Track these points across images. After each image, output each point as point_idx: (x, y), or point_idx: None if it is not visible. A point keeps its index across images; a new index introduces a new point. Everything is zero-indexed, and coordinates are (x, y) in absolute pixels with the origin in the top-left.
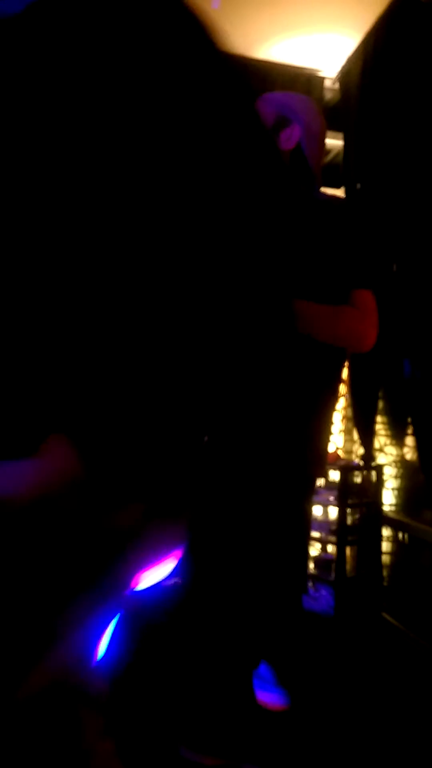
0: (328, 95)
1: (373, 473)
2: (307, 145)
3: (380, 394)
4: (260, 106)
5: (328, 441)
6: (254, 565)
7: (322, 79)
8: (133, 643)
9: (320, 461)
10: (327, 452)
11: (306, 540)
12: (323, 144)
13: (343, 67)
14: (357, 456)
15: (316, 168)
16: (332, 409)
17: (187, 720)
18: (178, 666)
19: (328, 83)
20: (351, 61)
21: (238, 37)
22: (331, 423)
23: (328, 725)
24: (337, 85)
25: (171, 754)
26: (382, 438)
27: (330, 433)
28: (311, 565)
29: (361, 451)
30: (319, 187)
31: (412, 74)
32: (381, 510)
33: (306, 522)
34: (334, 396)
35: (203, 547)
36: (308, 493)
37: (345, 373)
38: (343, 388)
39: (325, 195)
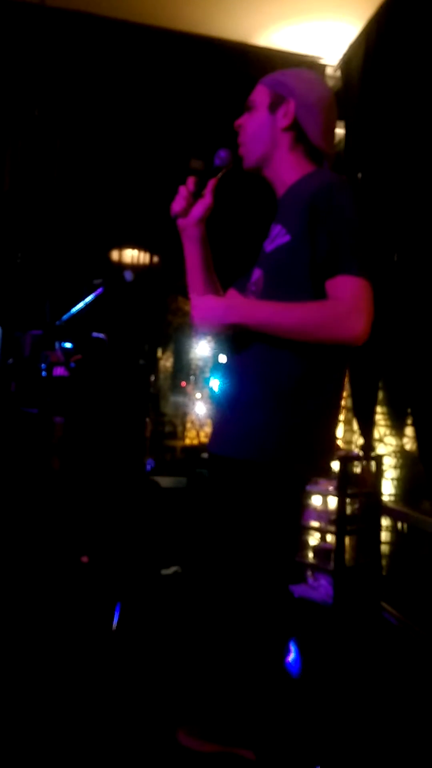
0: (329, 83)
1: (373, 463)
2: (304, 117)
3: (380, 384)
4: (256, 93)
5: (334, 436)
6: (260, 557)
7: (323, 66)
8: (136, 629)
9: (328, 455)
10: (334, 446)
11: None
12: (327, 113)
13: (345, 55)
14: (356, 446)
15: (320, 140)
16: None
17: (186, 706)
18: (178, 652)
19: (329, 71)
20: (352, 48)
21: (240, 24)
22: (339, 417)
23: (326, 713)
24: (338, 73)
25: (169, 740)
26: (381, 428)
27: (336, 427)
28: (310, 555)
29: (360, 441)
30: (330, 160)
31: (414, 62)
32: (380, 500)
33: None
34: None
35: (211, 538)
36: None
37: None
38: None
39: (319, 173)
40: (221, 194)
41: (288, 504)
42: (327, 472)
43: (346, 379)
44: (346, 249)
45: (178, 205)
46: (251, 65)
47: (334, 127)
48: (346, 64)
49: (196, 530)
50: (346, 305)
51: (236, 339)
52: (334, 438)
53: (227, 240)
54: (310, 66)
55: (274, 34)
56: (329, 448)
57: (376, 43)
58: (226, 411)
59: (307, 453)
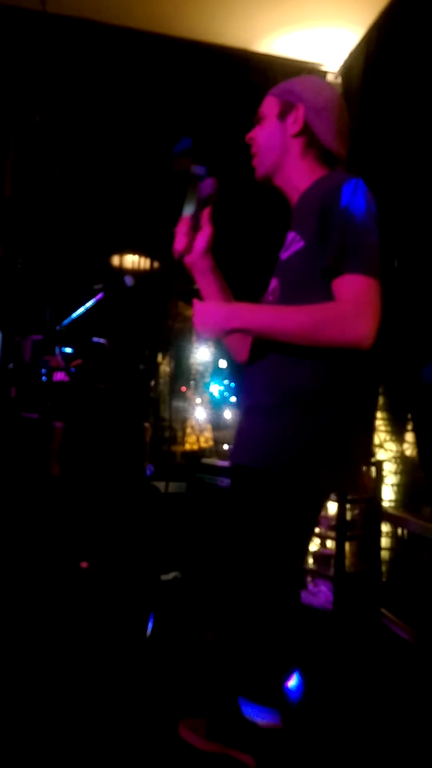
0: None
1: (373, 469)
2: (314, 120)
3: (380, 389)
4: (264, 104)
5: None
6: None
7: (324, 73)
8: (136, 635)
9: (348, 467)
10: (355, 458)
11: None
12: (337, 116)
13: (345, 62)
14: None
15: (332, 142)
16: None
17: (189, 702)
18: (182, 651)
19: (330, 77)
20: (353, 55)
21: (241, 31)
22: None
23: (325, 719)
24: (339, 80)
25: (170, 732)
26: (381, 434)
27: (357, 438)
28: (310, 561)
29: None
30: (343, 163)
31: (414, 69)
32: (380, 506)
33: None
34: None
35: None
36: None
37: None
38: None
39: (330, 177)
40: (238, 212)
41: (304, 514)
42: (351, 484)
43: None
44: (351, 247)
45: (179, 244)
46: (252, 72)
47: (346, 129)
48: (347, 70)
49: (199, 537)
50: (349, 306)
51: (251, 348)
52: (355, 449)
53: (248, 256)
54: (311, 72)
55: (275, 41)
56: (348, 459)
57: (376, 50)
58: (242, 420)
59: (321, 463)
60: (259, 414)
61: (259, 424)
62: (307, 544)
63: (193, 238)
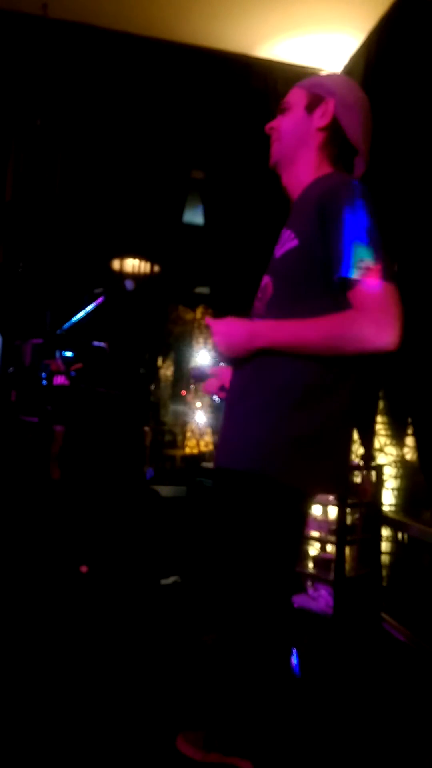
0: None
1: (373, 473)
2: (344, 115)
3: (380, 393)
4: (291, 95)
5: (345, 452)
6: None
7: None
8: (136, 639)
9: (337, 470)
10: (345, 461)
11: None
12: (365, 115)
13: (346, 67)
14: (357, 456)
15: (359, 140)
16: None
17: (186, 713)
18: (179, 661)
19: None
20: (353, 60)
21: (242, 36)
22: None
23: (326, 724)
24: None
25: (167, 747)
26: (382, 438)
27: (346, 441)
28: (310, 565)
29: (361, 450)
30: (365, 163)
31: (415, 74)
32: (381, 510)
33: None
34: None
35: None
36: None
37: None
38: None
39: (331, 176)
40: (240, 207)
41: (289, 516)
42: (338, 487)
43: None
44: (362, 255)
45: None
46: (253, 77)
47: (371, 130)
48: (347, 75)
49: (199, 541)
50: (373, 315)
51: None
52: (345, 453)
53: (245, 249)
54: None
55: (276, 46)
56: (337, 463)
57: (376, 55)
58: (228, 424)
59: (309, 466)
60: (246, 415)
61: (245, 425)
62: (297, 547)
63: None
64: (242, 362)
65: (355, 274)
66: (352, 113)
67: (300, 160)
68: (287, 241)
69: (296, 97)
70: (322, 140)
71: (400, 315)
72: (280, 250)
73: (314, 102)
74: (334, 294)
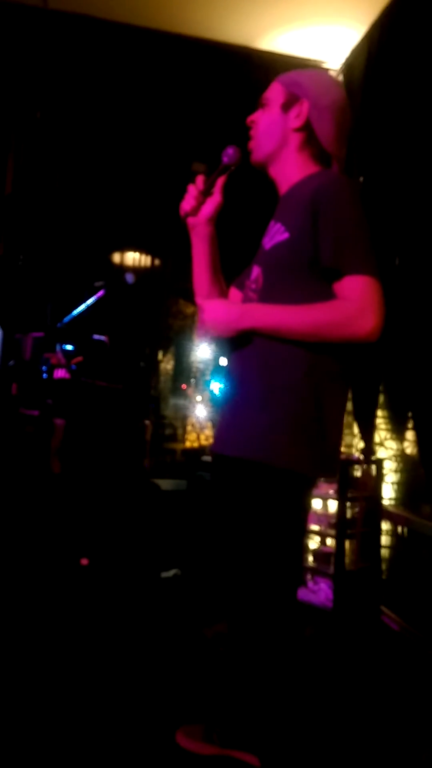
0: None
1: (373, 467)
2: (316, 119)
3: (381, 387)
4: (270, 90)
5: (339, 438)
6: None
7: (326, 70)
8: (136, 632)
9: (333, 458)
10: (339, 450)
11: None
12: (340, 117)
13: (347, 59)
14: (357, 450)
15: (330, 143)
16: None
17: (186, 708)
18: (180, 655)
19: (331, 75)
20: (355, 52)
21: (242, 28)
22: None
23: (326, 717)
24: (340, 77)
25: (168, 742)
26: (382, 432)
27: (340, 429)
28: (310, 558)
29: (361, 445)
30: (339, 163)
31: (416, 67)
32: (380, 504)
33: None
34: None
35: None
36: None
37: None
38: None
39: (322, 173)
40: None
41: (292, 506)
42: (332, 474)
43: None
44: (351, 248)
45: (188, 203)
46: (254, 69)
47: (346, 132)
48: (349, 68)
49: (199, 534)
50: (356, 304)
51: (237, 338)
52: (339, 440)
53: (226, 236)
54: (313, 69)
55: (277, 38)
56: (334, 450)
57: (378, 48)
58: (229, 411)
59: (310, 454)
60: (246, 403)
61: (246, 413)
62: (302, 535)
63: (202, 202)
64: (241, 350)
65: (341, 266)
66: (324, 116)
67: (282, 158)
68: (277, 234)
69: (275, 94)
70: (300, 141)
71: (382, 308)
72: (269, 242)
73: (290, 101)
74: (322, 285)
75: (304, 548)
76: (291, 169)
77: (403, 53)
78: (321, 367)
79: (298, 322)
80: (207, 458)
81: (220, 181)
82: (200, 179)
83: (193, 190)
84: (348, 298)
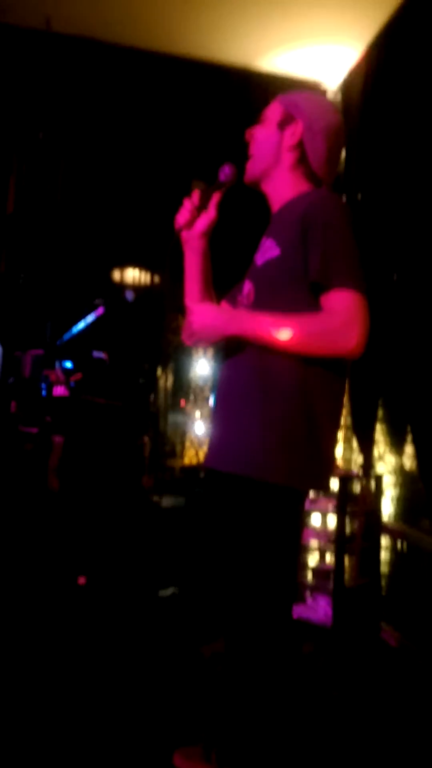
0: None
1: (372, 482)
2: (309, 140)
3: (380, 402)
4: (270, 108)
5: (334, 453)
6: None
7: (323, 90)
8: (134, 650)
9: (327, 471)
10: (333, 464)
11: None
12: (333, 141)
13: (345, 79)
14: (356, 465)
15: (320, 166)
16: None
17: (183, 728)
18: (176, 673)
19: (329, 95)
20: (353, 72)
21: (242, 49)
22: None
23: (325, 734)
24: (338, 97)
25: (165, 764)
26: (381, 446)
27: (334, 444)
28: (309, 575)
29: (360, 459)
30: (329, 185)
31: (414, 86)
32: (380, 519)
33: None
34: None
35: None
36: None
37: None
38: None
39: (314, 192)
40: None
41: (286, 521)
42: (326, 488)
43: (346, 396)
44: (338, 263)
45: (182, 217)
46: (253, 89)
47: (338, 156)
48: (347, 87)
49: (195, 550)
50: (340, 318)
51: (230, 351)
52: (333, 453)
53: (218, 251)
54: (311, 90)
55: (276, 59)
56: (328, 464)
57: (376, 67)
58: (221, 425)
59: (304, 469)
60: (237, 419)
61: (239, 428)
62: (296, 551)
63: (196, 217)
64: (233, 363)
65: (327, 280)
66: (317, 139)
67: (276, 177)
68: (268, 251)
69: (273, 111)
70: (294, 160)
71: (366, 323)
72: (261, 258)
73: (286, 120)
74: (312, 301)
75: (298, 563)
76: (284, 187)
77: (401, 73)
78: (314, 381)
79: (282, 331)
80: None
81: (216, 197)
82: (196, 194)
83: (188, 204)
84: (333, 311)
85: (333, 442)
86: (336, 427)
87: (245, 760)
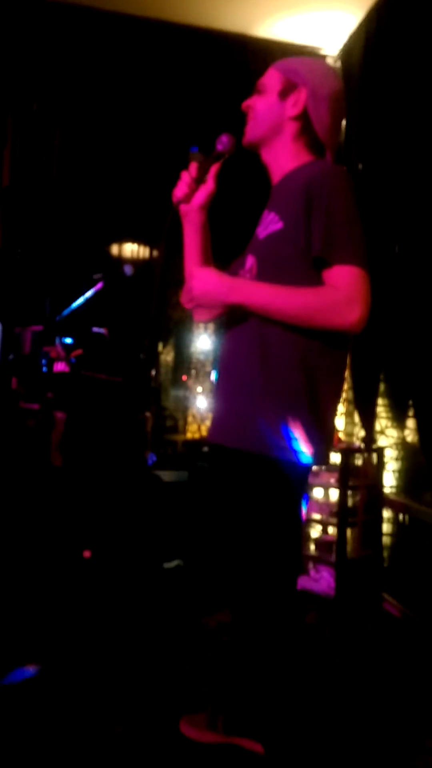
0: None
1: (374, 455)
2: (313, 108)
3: (381, 376)
4: (267, 76)
5: (334, 426)
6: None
7: (323, 57)
8: (139, 622)
9: (327, 447)
10: (334, 437)
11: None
12: (337, 107)
13: (345, 45)
14: (358, 438)
15: (326, 133)
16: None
17: (188, 696)
18: (182, 645)
19: (329, 61)
20: (352, 39)
21: (239, 15)
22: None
23: (329, 703)
24: (338, 64)
25: (171, 731)
26: (383, 420)
27: (334, 418)
28: (312, 547)
29: (362, 433)
30: (333, 153)
31: (414, 53)
32: (382, 492)
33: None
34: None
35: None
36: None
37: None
38: None
39: (316, 163)
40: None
41: (289, 494)
42: (326, 462)
43: (347, 371)
44: (341, 238)
45: (180, 191)
46: (251, 56)
47: (341, 122)
48: (346, 54)
49: (198, 524)
50: (342, 293)
51: (231, 324)
52: (334, 427)
53: (219, 225)
54: (311, 56)
55: (274, 25)
56: (329, 438)
57: (376, 34)
58: (223, 399)
59: (305, 442)
60: (239, 393)
61: (239, 403)
62: (300, 525)
63: (195, 190)
64: (234, 336)
65: (330, 255)
66: (321, 106)
67: (277, 146)
68: (271, 224)
69: (271, 80)
70: (297, 129)
71: (368, 299)
72: (263, 232)
73: (288, 89)
74: (315, 275)
75: (303, 536)
76: (285, 158)
77: (401, 38)
78: (315, 354)
79: (285, 303)
80: (207, 449)
81: (214, 169)
82: (193, 166)
83: (186, 177)
84: (335, 286)
85: (333, 415)
86: (337, 400)
87: (250, 726)
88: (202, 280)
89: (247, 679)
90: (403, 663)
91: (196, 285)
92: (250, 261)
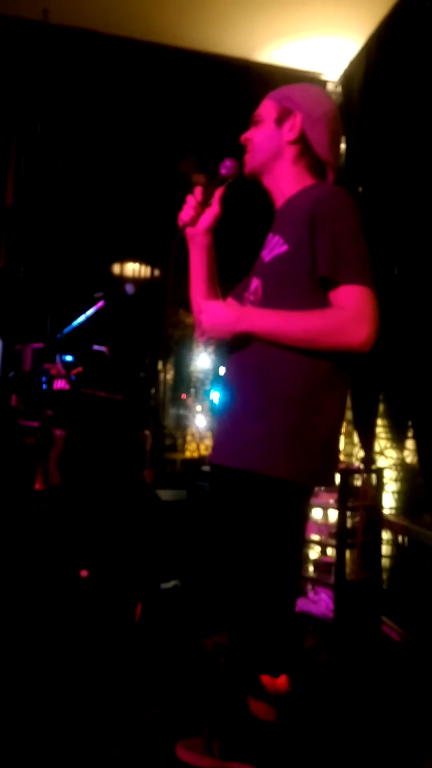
0: None
1: (374, 476)
2: (310, 130)
3: (381, 396)
4: (262, 107)
5: (338, 447)
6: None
7: (324, 82)
8: (136, 643)
9: (332, 466)
10: (338, 459)
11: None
12: (333, 126)
13: (345, 71)
14: (357, 459)
15: (325, 152)
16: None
17: (186, 720)
18: (178, 666)
19: (330, 87)
20: (353, 64)
21: (241, 41)
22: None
23: (326, 728)
24: (339, 89)
25: (167, 755)
26: (382, 441)
27: (338, 438)
28: (311, 569)
29: (361, 454)
30: (333, 172)
31: (415, 78)
32: (381, 513)
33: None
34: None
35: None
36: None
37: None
38: None
39: (319, 186)
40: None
41: (291, 516)
42: (331, 483)
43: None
44: (347, 258)
45: (186, 214)
46: (253, 81)
47: (339, 140)
48: (347, 79)
49: (198, 544)
50: (351, 313)
51: (235, 347)
52: (338, 448)
53: (223, 249)
54: (311, 82)
55: (276, 51)
56: (333, 459)
57: (376, 60)
58: (227, 420)
59: (309, 464)
60: (243, 415)
61: (242, 425)
62: (300, 546)
63: (200, 213)
64: (239, 358)
65: (337, 275)
66: (318, 127)
67: (277, 171)
68: (276, 246)
69: (267, 110)
70: (296, 153)
71: (376, 318)
72: (268, 255)
73: (283, 115)
74: (321, 296)
75: (303, 558)
76: (287, 182)
77: (401, 64)
78: (318, 375)
79: (293, 328)
80: (207, 468)
81: (219, 193)
82: (198, 190)
83: (191, 201)
84: (343, 306)
85: (337, 437)
86: (340, 422)
87: (248, 751)
88: (211, 314)
89: (244, 703)
90: (402, 687)
91: (206, 319)
92: (255, 283)
